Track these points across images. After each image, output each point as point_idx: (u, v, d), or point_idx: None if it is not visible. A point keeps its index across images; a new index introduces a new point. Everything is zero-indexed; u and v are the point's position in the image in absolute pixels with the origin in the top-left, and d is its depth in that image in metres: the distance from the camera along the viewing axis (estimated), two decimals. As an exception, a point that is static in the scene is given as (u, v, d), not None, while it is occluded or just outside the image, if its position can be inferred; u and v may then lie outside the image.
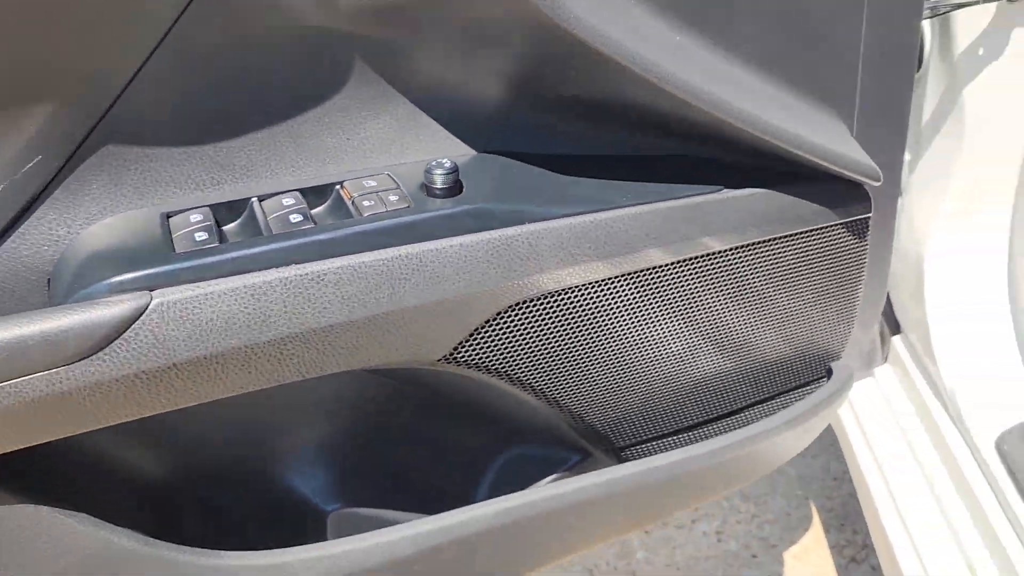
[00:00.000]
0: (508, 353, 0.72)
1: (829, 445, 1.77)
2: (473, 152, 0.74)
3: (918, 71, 1.13)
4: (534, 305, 0.71)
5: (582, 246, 0.70)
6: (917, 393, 1.24)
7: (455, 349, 0.70)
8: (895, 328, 1.32)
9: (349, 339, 0.64)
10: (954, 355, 1.16)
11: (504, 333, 0.71)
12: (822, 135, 0.77)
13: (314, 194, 0.68)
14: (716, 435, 0.90)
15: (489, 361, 0.72)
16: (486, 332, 0.70)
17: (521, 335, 0.72)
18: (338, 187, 0.68)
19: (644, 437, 0.90)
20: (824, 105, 0.80)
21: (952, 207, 1.12)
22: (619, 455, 0.91)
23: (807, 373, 0.94)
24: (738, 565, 1.56)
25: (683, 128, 0.75)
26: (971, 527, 1.08)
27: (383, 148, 0.71)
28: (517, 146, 0.76)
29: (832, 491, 1.68)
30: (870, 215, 0.84)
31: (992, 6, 1.03)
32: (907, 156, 1.18)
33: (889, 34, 0.80)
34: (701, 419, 0.91)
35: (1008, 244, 1.13)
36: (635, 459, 0.91)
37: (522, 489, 0.92)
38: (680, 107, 0.68)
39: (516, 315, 0.70)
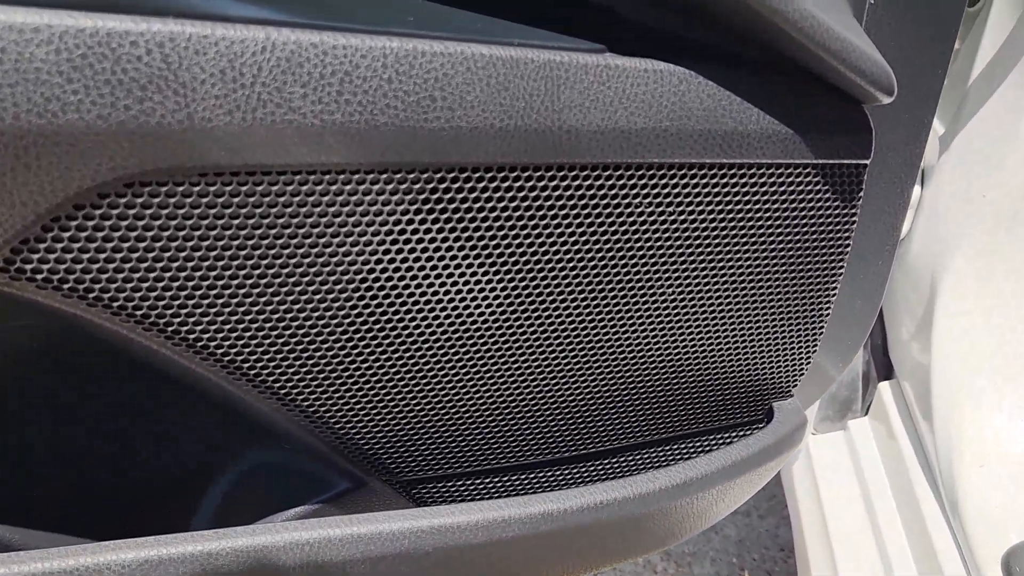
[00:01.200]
0: (135, 278, 0.38)
1: (783, 505, 1.42)
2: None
3: (975, 4, 0.78)
4: (183, 189, 0.37)
5: (290, 89, 0.36)
6: (902, 464, 0.89)
7: (14, 253, 0.36)
8: (885, 371, 0.97)
9: None
10: (963, 418, 0.81)
11: (121, 234, 0.37)
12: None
13: None
14: (554, 484, 0.57)
15: (89, 285, 0.38)
16: (78, 225, 0.36)
17: (160, 246, 0.38)
18: None
19: (447, 470, 0.56)
20: None
21: (996, 208, 0.77)
22: (410, 492, 0.57)
23: (731, 412, 0.60)
24: (638, 640, 1.22)
25: None
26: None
27: None
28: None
29: (775, 564, 1.33)
30: (866, 163, 0.49)
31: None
32: (937, 128, 0.83)
33: None
34: (537, 456, 0.57)
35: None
36: (435, 501, 0.58)
37: (260, 518, 0.60)
38: None
39: (145, 201, 0.36)
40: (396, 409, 0.49)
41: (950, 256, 0.79)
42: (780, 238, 0.50)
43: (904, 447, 0.90)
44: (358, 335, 0.44)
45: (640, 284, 0.48)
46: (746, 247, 0.50)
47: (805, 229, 0.51)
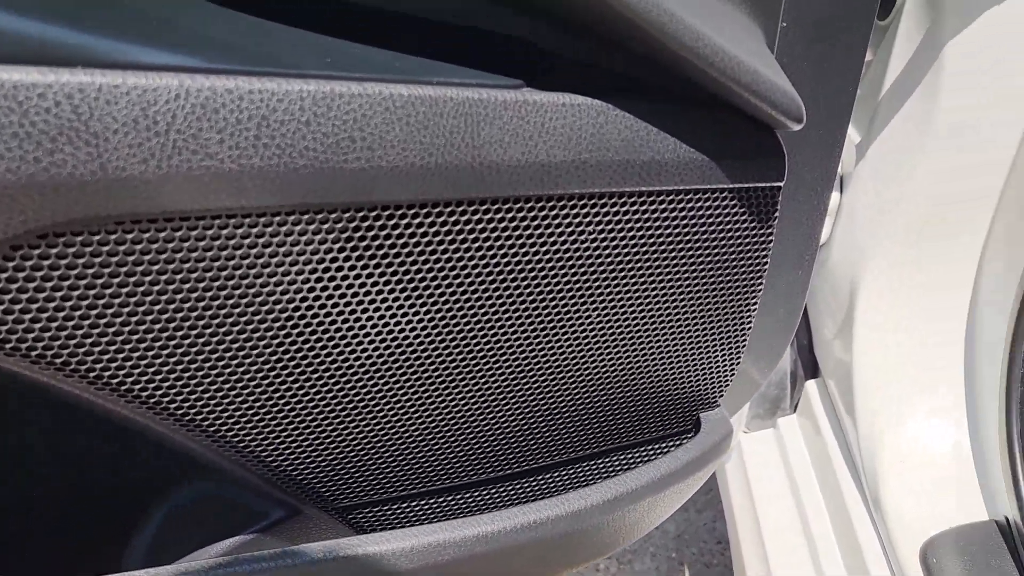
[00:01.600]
0: (53, 327, 0.38)
1: (720, 499, 1.46)
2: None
3: (885, 18, 0.81)
4: (99, 237, 0.36)
5: (207, 135, 0.35)
6: (828, 461, 0.93)
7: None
8: (812, 370, 1.00)
9: None
10: (883, 420, 0.85)
11: (36, 285, 0.36)
12: (721, 33, 0.44)
13: None
14: (490, 503, 0.57)
15: (5, 336, 0.37)
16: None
17: (78, 295, 0.37)
18: None
19: (382, 495, 0.56)
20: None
21: (907, 220, 0.80)
22: (346, 518, 0.57)
23: (660, 424, 0.61)
24: (582, 639, 1.24)
25: None
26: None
27: None
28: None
29: (713, 557, 1.37)
30: (780, 184, 0.51)
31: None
32: (854, 136, 0.86)
33: None
34: (471, 477, 0.57)
35: (975, 275, 0.82)
36: (373, 526, 0.58)
37: (194, 551, 0.59)
38: None
39: (60, 252, 0.36)
40: (328, 440, 0.49)
41: (865, 266, 0.82)
42: (700, 258, 0.52)
43: (830, 444, 0.94)
44: (286, 372, 0.44)
45: (565, 309, 0.49)
46: (667, 268, 0.51)
47: (724, 248, 0.52)
